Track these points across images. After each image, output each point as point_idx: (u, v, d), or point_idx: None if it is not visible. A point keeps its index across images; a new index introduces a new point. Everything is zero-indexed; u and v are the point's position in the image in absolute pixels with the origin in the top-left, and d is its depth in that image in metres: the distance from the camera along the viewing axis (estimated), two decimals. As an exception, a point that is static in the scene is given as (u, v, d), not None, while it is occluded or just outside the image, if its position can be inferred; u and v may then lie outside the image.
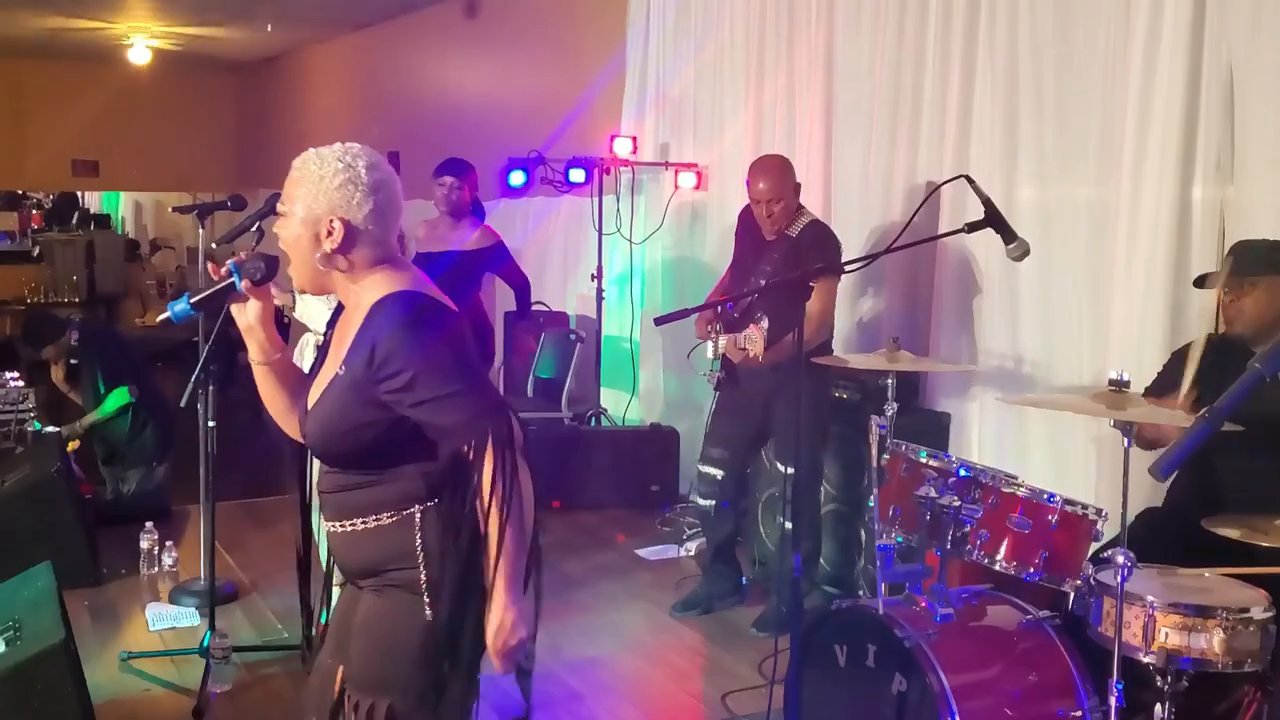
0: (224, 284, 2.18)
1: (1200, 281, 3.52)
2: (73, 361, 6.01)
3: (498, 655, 2.05)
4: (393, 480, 2.10)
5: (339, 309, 2.29)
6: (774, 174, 4.40)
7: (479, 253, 5.31)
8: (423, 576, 2.10)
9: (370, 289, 2.11)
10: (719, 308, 4.43)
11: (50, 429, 5.57)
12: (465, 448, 2.01)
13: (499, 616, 2.02)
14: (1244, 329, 3.22)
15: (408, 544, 2.11)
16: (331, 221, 2.08)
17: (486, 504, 2.00)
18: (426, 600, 2.09)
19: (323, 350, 2.28)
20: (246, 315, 2.20)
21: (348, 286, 2.15)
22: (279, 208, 2.13)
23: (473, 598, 2.16)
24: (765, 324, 4.19)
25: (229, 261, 2.17)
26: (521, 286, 5.71)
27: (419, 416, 2.02)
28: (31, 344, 6.11)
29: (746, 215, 4.63)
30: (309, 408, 2.17)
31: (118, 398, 5.74)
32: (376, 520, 2.12)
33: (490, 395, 2.06)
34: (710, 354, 4.42)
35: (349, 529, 2.15)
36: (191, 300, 2.19)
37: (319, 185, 2.08)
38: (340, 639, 2.25)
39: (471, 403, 2.01)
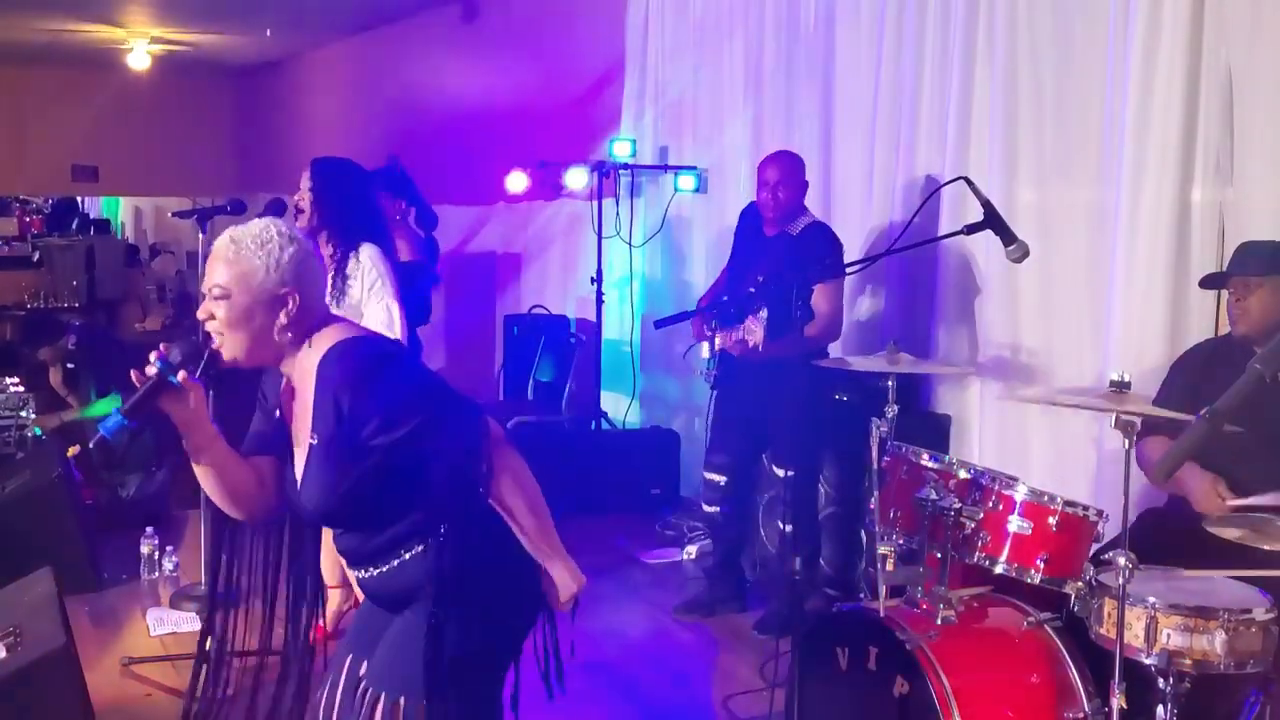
0: (153, 384, 2.11)
1: (1205, 282, 3.52)
2: (70, 365, 6.01)
3: (563, 607, 2.28)
4: (405, 516, 2.16)
5: (266, 379, 2.31)
6: (786, 162, 4.49)
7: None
8: (434, 589, 2.13)
9: (315, 349, 2.15)
10: (714, 310, 4.44)
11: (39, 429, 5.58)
12: (461, 462, 2.08)
13: (557, 577, 2.22)
14: (1249, 329, 3.22)
15: (427, 566, 2.16)
16: (291, 294, 2.13)
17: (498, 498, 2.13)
18: (431, 614, 2.12)
19: (261, 421, 2.31)
20: (186, 406, 2.15)
21: (293, 354, 2.18)
22: (209, 290, 2.14)
23: (499, 611, 2.22)
24: (765, 314, 4.20)
25: (154, 360, 2.12)
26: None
27: (407, 448, 2.07)
28: (28, 344, 6.11)
29: (747, 214, 4.64)
30: (298, 485, 2.20)
31: (107, 405, 5.74)
32: (399, 559, 2.19)
33: (459, 407, 2.13)
34: (707, 352, 4.43)
35: (377, 574, 2.22)
36: (123, 411, 2.11)
37: (267, 261, 2.12)
38: (360, 634, 2.31)
39: (445, 419, 2.09)
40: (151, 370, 2.12)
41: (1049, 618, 3.00)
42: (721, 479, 4.56)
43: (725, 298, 4.54)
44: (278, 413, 2.27)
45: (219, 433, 2.22)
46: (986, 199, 3.18)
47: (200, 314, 2.16)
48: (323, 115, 12.27)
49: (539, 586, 2.27)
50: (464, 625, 2.15)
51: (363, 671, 2.25)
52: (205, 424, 2.19)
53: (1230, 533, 2.69)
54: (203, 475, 2.22)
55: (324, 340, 2.15)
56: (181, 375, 2.12)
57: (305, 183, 4.01)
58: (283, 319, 2.14)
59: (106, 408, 5.74)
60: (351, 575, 2.31)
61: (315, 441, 2.11)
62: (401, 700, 2.14)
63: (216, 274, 2.14)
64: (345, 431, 2.06)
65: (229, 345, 2.15)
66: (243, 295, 2.12)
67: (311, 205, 3.99)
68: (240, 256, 2.13)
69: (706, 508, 4.67)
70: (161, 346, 2.14)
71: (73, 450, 5.63)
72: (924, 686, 2.78)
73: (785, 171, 4.43)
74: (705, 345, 4.44)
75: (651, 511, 6.01)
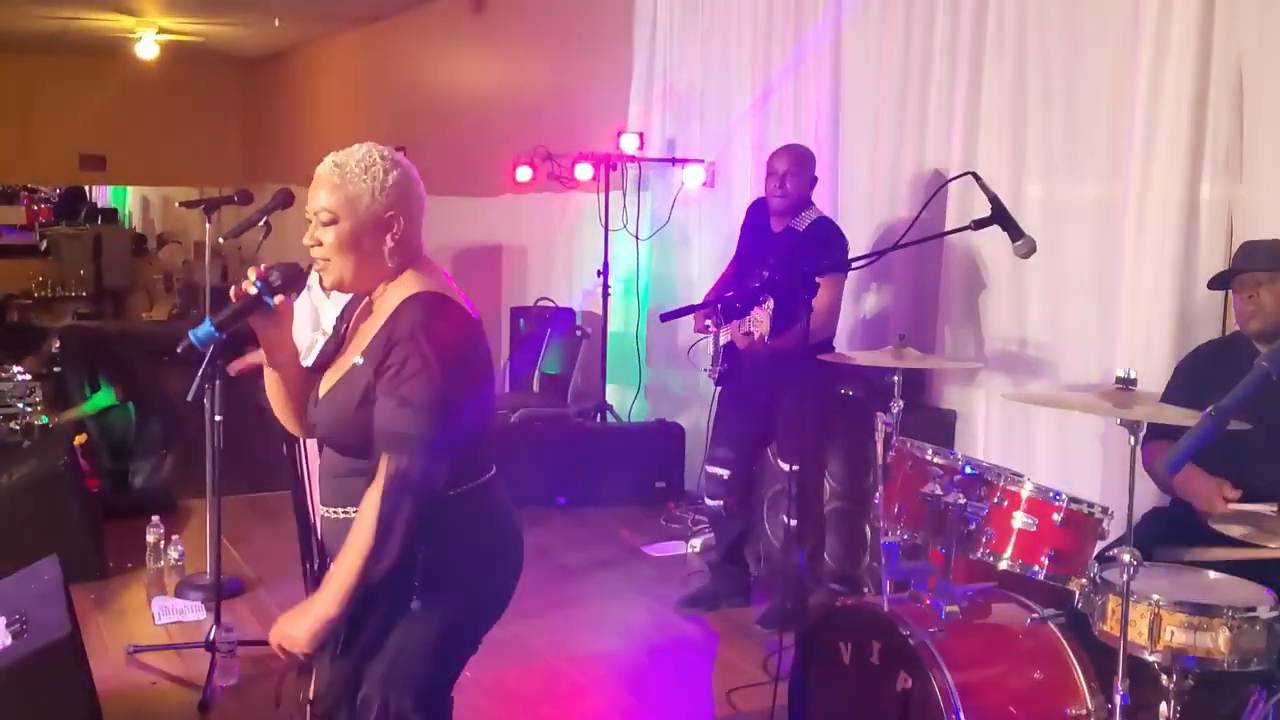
0: (249, 302, 2.15)
1: (1214, 283, 3.51)
2: (57, 369, 6.04)
3: (283, 637, 2.10)
4: None
5: (350, 304, 2.31)
6: (796, 153, 4.49)
7: None
8: (416, 571, 2.12)
9: (401, 286, 2.16)
10: (719, 304, 4.43)
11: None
12: (385, 459, 2.04)
13: (315, 607, 2.07)
14: (1261, 326, 3.21)
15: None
16: (396, 218, 2.14)
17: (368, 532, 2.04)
18: (415, 594, 2.12)
19: (331, 343, 2.31)
20: (275, 326, 2.19)
21: (383, 284, 2.19)
22: (314, 214, 2.14)
23: (478, 596, 2.19)
24: (770, 304, 4.19)
25: (255, 280, 2.15)
26: None
27: (380, 404, 2.06)
28: (11, 356, 6.12)
29: (754, 209, 4.64)
30: (320, 396, 2.21)
31: (102, 398, 5.76)
32: (326, 637, 2.12)
33: (447, 435, 2.06)
34: (712, 347, 4.43)
35: (345, 516, 2.17)
36: (215, 322, 2.15)
37: (372, 185, 2.12)
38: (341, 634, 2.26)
39: (422, 432, 2.03)
40: (250, 289, 2.14)
41: (1053, 614, 3.00)
42: (724, 473, 4.56)
43: (730, 294, 4.54)
44: (344, 328, 2.29)
45: (296, 348, 2.25)
46: (994, 194, 3.18)
47: (306, 240, 2.16)
48: (330, 106, 12.27)
49: (509, 577, 2.28)
50: (441, 613, 2.16)
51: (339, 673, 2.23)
52: (288, 343, 2.22)
53: (1235, 531, 2.69)
54: (272, 385, 2.26)
55: (406, 282, 2.16)
56: (279, 299, 2.15)
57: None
58: (389, 242, 2.15)
59: (105, 400, 5.75)
60: (320, 512, 2.28)
61: (360, 362, 2.12)
62: (373, 693, 2.15)
63: (321, 199, 2.14)
64: (379, 368, 2.07)
65: (335, 269, 2.16)
66: (350, 219, 2.13)
67: None
68: (346, 180, 2.13)
69: (709, 502, 4.67)
70: (263, 267, 2.16)
71: (80, 438, 5.65)
72: (927, 682, 2.78)
73: (794, 162, 4.43)
74: (710, 341, 4.44)
75: (656, 505, 6.02)
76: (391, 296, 2.16)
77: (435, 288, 2.16)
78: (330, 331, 2.37)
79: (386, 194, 2.14)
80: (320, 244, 2.15)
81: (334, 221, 2.13)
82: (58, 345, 5.98)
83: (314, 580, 2.49)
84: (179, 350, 2.15)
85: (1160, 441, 3.16)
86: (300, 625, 2.08)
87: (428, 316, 2.08)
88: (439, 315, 2.10)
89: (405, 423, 2.04)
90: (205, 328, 2.14)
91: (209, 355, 2.17)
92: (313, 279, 2.30)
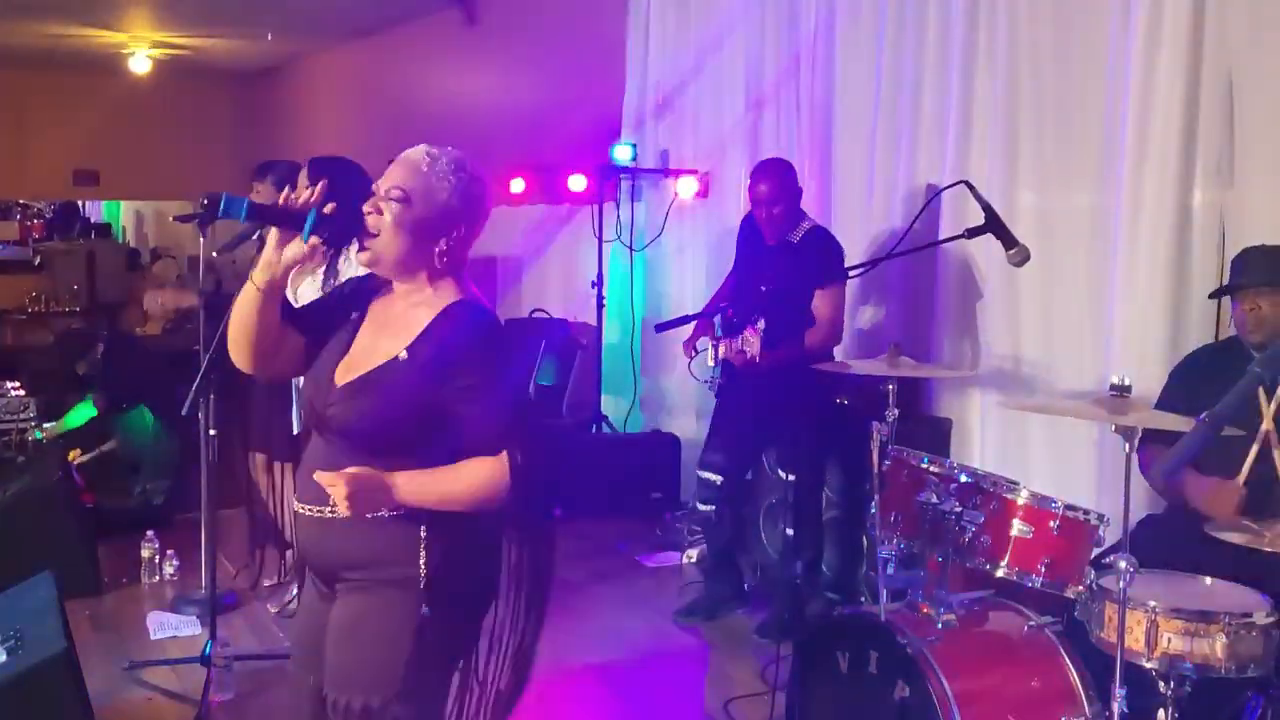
0: (292, 213, 2.12)
1: (1217, 293, 3.51)
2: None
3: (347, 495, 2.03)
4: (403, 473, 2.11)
5: (364, 289, 2.31)
6: (774, 177, 4.43)
7: None
8: (423, 574, 2.11)
9: (445, 290, 2.19)
10: (715, 317, 4.44)
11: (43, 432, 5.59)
12: (496, 460, 2.08)
13: (391, 481, 2.07)
14: (1262, 338, 3.20)
15: (410, 540, 2.12)
16: (458, 226, 2.17)
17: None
18: (426, 599, 2.10)
19: (331, 309, 2.31)
20: (287, 251, 2.15)
21: (423, 281, 2.20)
22: (386, 189, 2.16)
23: (476, 602, 2.18)
24: (761, 325, 4.20)
25: (312, 210, 2.13)
26: None
27: (467, 416, 2.09)
28: (66, 359, 6.11)
29: (748, 222, 4.64)
30: (337, 384, 2.18)
31: (83, 411, 5.74)
32: (375, 512, 2.10)
33: (528, 423, 2.14)
34: (710, 360, 4.43)
35: (334, 515, 2.12)
36: (249, 204, 2.14)
37: (455, 185, 2.16)
38: (308, 648, 2.25)
39: (512, 420, 2.10)
40: (299, 202, 2.13)
41: (1050, 622, 3.00)
42: (717, 478, 4.56)
43: (725, 305, 4.54)
44: (354, 315, 2.28)
45: (285, 283, 2.23)
46: (987, 203, 3.19)
47: (367, 206, 2.17)
48: (324, 120, 12.27)
49: (497, 576, 2.27)
50: (445, 619, 2.14)
51: (314, 685, 2.22)
52: (281, 278, 2.18)
53: (1233, 537, 2.69)
54: (245, 303, 2.20)
55: (450, 286, 2.20)
56: (313, 240, 2.13)
57: (303, 180, 3.99)
58: (444, 245, 2.17)
59: (80, 417, 5.73)
60: (297, 509, 2.22)
61: (404, 357, 2.12)
62: (377, 701, 2.11)
63: (400, 177, 2.16)
64: (439, 371, 2.09)
65: (382, 245, 2.16)
66: (420, 206, 2.15)
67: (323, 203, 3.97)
68: (433, 170, 2.16)
69: (701, 506, 4.66)
70: (330, 207, 2.14)
71: (74, 454, 5.64)
72: (925, 690, 2.78)
73: (776, 186, 4.39)
74: (709, 352, 4.44)
75: (652, 515, 6.01)
76: (438, 296, 2.18)
77: (478, 297, 2.21)
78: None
79: (462, 200, 2.16)
80: (380, 214, 2.15)
81: (404, 200, 2.14)
82: (101, 351, 5.96)
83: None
84: (203, 202, 2.13)
85: (1157, 446, 3.17)
86: (366, 490, 2.04)
87: (486, 328, 2.15)
88: (496, 323, 2.19)
89: (491, 423, 2.09)
90: (239, 203, 2.13)
91: (204, 368, 2.17)
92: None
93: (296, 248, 2.13)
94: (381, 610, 2.13)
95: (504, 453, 2.09)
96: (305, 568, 2.30)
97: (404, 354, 2.13)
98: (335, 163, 4.12)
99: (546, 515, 2.23)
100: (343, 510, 2.03)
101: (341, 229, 2.17)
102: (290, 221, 2.13)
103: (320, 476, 2.05)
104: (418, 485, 2.08)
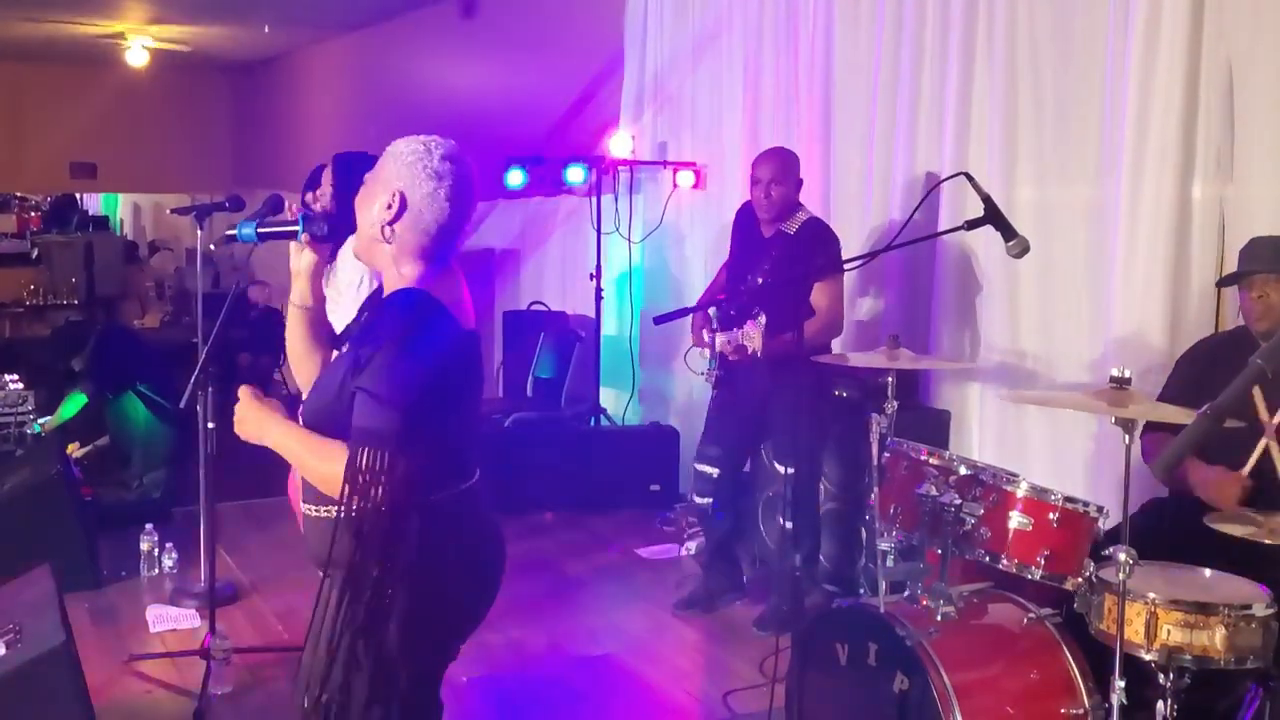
0: (288, 227, 2.27)
1: (1225, 281, 3.51)
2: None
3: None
4: None
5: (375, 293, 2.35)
6: (777, 158, 4.46)
7: None
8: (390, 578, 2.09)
9: (401, 278, 2.17)
10: (714, 309, 4.43)
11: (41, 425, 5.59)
12: (359, 453, 2.01)
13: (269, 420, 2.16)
14: (1269, 326, 3.19)
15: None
16: (394, 193, 2.15)
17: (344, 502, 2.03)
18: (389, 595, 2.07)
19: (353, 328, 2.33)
20: (299, 261, 2.29)
21: (391, 269, 2.20)
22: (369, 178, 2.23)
23: (456, 602, 2.16)
24: (763, 320, 4.20)
25: (301, 214, 2.27)
26: None
27: (357, 398, 2.04)
28: (61, 355, 6.10)
29: (743, 213, 4.63)
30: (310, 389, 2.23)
31: (75, 401, 5.73)
32: (336, 510, 2.07)
33: (407, 428, 2.01)
34: (708, 353, 4.42)
35: (323, 514, 2.14)
36: (259, 229, 2.28)
37: (397, 159, 2.18)
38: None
39: (388, 421, 2.00)
40: (294, 213, 2.29)
41: (1049, 614, 3.00)
42: (714, 471, 4.56)
43: (723, 297, 4.53)
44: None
45: (321, 295, 2.32)
46: (987, 194, 3.18)
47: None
48: (320, 112, 12.25)
49: (489, 586, 2.24)
50: (416, 619, 2.10)
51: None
52: (305, 283, 2.29)
53: (1234, 529, 2.69)
54: (292, 324, 2.33)
55: (407, 275, 2.18)
56: (305, 237, 2.24)
57: (328, 178, 3.94)
58: (386, 215, 2.15)
59: (73, 407, 5.73)
60: (302, 509, 2.24)
61: (344, 349, 2.16)
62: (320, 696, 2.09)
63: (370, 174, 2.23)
64: (352, 355, 2.09)
65: (356, 223, 2.22)
66: (372, 180, 2.20)
67: (333, 200, 3.93)
68: (393, 149, 2.20)
69: (698, 499, 4.67)
70: (318, 205, 2.25)
71: (72, 448, 5.64)
72: (924, 682, 2.79)
73: (778, 169, 4.41)
74: (707, 346, 4.44)
75: (651, 508, 6.01)
76: (393, 286, 2.18)
77: (432, 288, 2.14)
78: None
79: (400, 169, 2.15)
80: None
81: (371, 181, 2.21)
82: (91, 344, 5.94)
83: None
84: (218, 241, 2.32)
85: (1160, 433, 3.17)
86: (250, 414, 2.17)
87: (411, 313, 2.09)
88: (421, 316, 2.09)
89: (366, 413, 2.02)
90: (249, 227, 2.28)
91: (201, 361, 2.18)
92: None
93: (301, 254, 2.26)
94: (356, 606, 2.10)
95: (356, 447, 2.02)
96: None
97: (345, 347, 2.18)
98: (355, 157, 4.10)
99: (388, 550, 2.05)
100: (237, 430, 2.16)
101: (337, 221, 2.28)
102: (289, 232, 2.27)
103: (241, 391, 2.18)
104: (284, 438, 2.15)
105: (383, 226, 2.16)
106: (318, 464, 2.10)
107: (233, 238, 2.34)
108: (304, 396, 2.27)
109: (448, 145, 2.20)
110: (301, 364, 2.34)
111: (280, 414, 2.17)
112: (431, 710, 2.29)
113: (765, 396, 4.40)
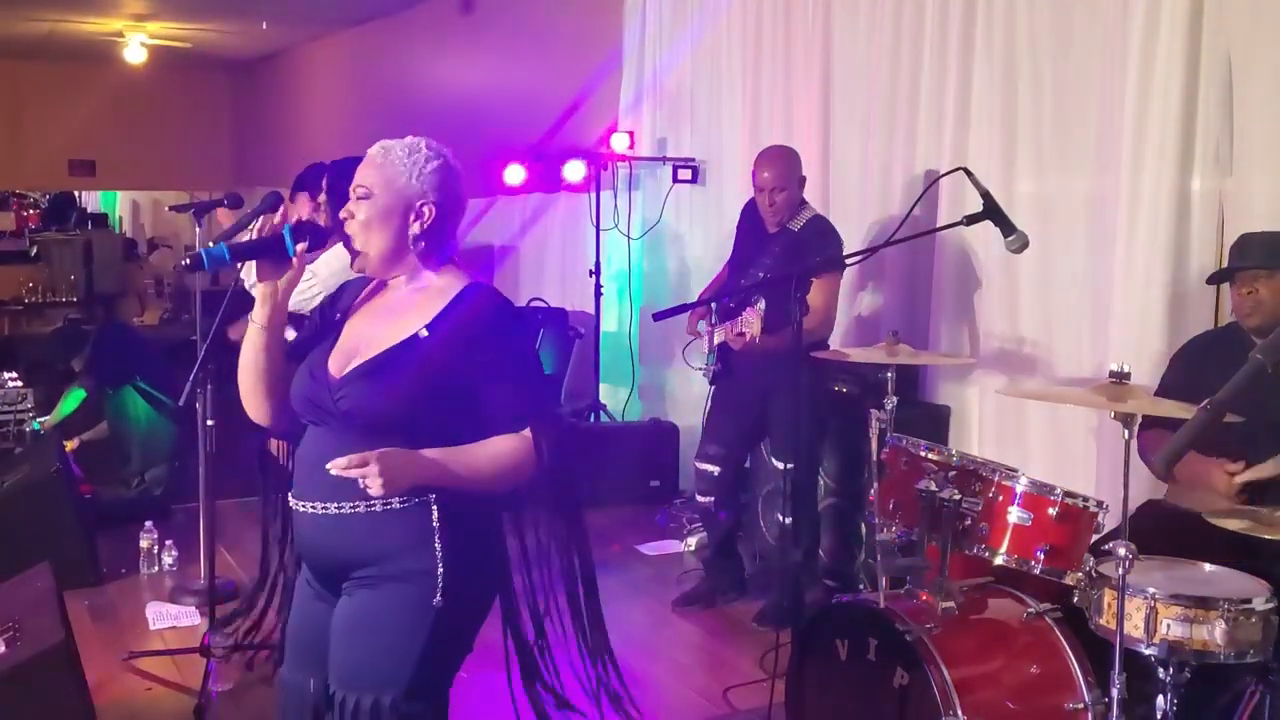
0: (269, 240, 2.21)
1: (1214, 278, 3.50)
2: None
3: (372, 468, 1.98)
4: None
5: (347, 292, 2.33)
6: (779, 163, 4.42)
7: None
8: (440, 568, 2.09)
9: (452, 275, 2.21)
10: (714, 304, 4.43)
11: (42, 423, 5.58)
12: (519, 437, 2.12)
13: (416, 456, 2.04)
14: (1260, 322, 3.19)
15: (424, 531, 2.10)
16: (428, 205, 2.18)
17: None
18: (440, 591, 2.09)
19: (320, 327, 2.30)
20: (279, 276, 2.21)
21: (417, 267, 2.22)
22: (354, 190, 2.20)
23: (484, 592, 2.18)
24: (761, 306, 4.19)
25: (286, 226, 2.22)
26: None
27: (488, 393, 2.11)
28: (62, 356, 6.10)
29: (749, 209, 4.62)
30: (336, 374, 2.16)
31: (74, 397, 5.73)
32: (386, 504, 2.08)
33: (550, 400, 2.22)
34: (706, 347, 4.42)
35: (346, 511, 2.10)
36: (230, 246, 2.21)
37: (411, 168, 2.18)
38: (307, 650, 2.22)
39: (537, 399, 2.16)
40: (274, 228, 2.27)
41: (1049, 608, 3.00)
42: (714, 469, 4.56)
43: (722, 294, 4.53)
44: (339, 317, 2.29)
45: (285, 313, 2.25)
46: (985, 189, 3.18)
47: (342, 213, 2.21)
48: (319, 108, 12.24)
49: (507, 569, 2.28)
50: (456, 609, 2.13)
51: (313, 687, 2.19)
52: (282, 306, 2.23)
53: (1233, 524, 2.69)
54: (251, 351, 2.22)
55: (452, 274, 2.22)
56: (300, 247, 2.20)
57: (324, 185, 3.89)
58: (417, 228, 2.18)
59: (72, 403, 5.72)
60: (296, 508, 2.18)
61: (425, 334, 2.13)
62: (389, 698, 2.08)
63: (362, 175, 2.20)
64: (464, 350, 2.10)
65: (363, 243, 2.19)
66: (384, 196, 2.17)
67: (330, 207, 3.91)
68: (387, 161, 2.18)
69: (700, 498, 4.67)
70: (294, 218, 2.21)
71: (70, 445, 5.63)
72: (924, 677, 2.79)
73: (780, 173, 4.37)
74: (704, 340, 4.43)
75: (651, 504, 6.01)
76: (442, 281, 2.20)
77: (477, 279, 2.23)
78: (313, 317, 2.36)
79: (423, 179, 2.17)
80: (354, 218, 2.19)
81: (368, 196, 2.17)
82: (92, 337, 5.95)
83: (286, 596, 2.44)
84: (185, 263, 2.20)
85: (1157, 430, 3.17)
86: (396, 465, 1.99)
87: (505, 309, 2.20)
88: (512, 305, 2.23)
89: (519, 400, 2.14)
90: (219, 249, 2.19)
91: (201, 358, 2.17)
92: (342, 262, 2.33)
93: (281, 270, 2.20)
94: (392, 604, 2.10)
95: (527, 429, 2.13)
96: (300, 566, 2.28)
97: (425, 331, 2.13)
98: (352, 164, 4.08)
99: (575, 492, 2.25)
100: (375, 490, 1.96)
101: (318, 235, 2.25)
102: (271, 247, 2.20)
103: (340, 462, 1.97)
104: (443, 459, 2.06)
105: (419, 237, 2.19)
106: (490, 465, 2.11)
107: (199, 262, 2.18)
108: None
109: (429, 140, 2.23)
110: (260, 394, 2.24)
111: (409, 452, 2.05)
112: (446, 706, 2.29)
113: (764, 392, 4.40)
